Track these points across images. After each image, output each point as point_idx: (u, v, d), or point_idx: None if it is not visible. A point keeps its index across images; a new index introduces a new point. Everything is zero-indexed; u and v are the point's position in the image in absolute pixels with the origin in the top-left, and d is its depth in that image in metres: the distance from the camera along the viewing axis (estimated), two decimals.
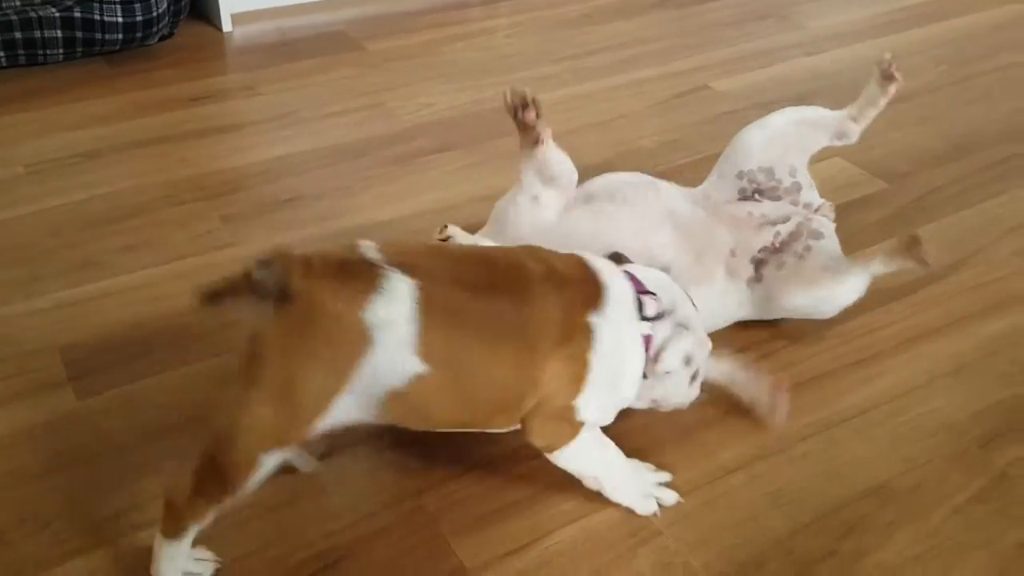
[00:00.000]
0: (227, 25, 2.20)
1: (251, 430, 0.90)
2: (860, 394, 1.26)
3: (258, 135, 1.83)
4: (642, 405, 1.12)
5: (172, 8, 2.02)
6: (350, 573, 1.01)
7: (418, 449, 1.15)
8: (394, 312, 0.90)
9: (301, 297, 0.88)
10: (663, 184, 1.38)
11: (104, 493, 1.09)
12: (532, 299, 0.98)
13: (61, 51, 1.94)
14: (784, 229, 1.34)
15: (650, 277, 1.10)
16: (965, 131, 1.92)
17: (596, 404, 1.03)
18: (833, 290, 1.31)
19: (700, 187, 1.43)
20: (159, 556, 0.96)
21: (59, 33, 1.92)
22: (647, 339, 1.05)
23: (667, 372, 1.06)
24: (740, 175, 1.40)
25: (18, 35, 1.88)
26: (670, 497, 1.10)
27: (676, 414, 1.17)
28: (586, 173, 1.73)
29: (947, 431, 1.21)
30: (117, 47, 1.99)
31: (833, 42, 2.28)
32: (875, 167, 1.78)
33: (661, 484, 1.11)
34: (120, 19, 1.94)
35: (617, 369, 1.03)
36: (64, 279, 1.41)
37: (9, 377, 1.24)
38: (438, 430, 1.05)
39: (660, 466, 1.14)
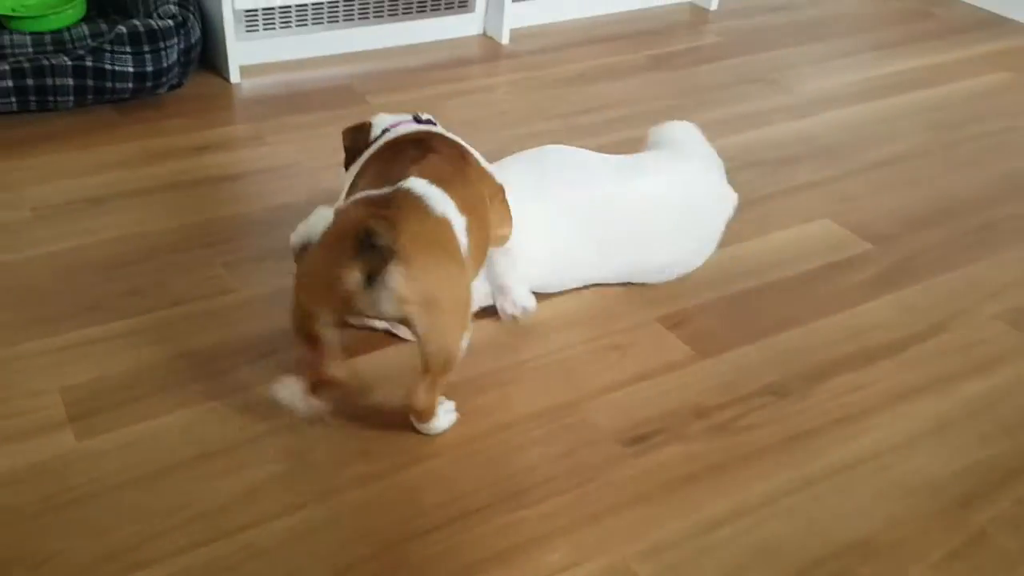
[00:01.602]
0: (235, 77, 2.26)
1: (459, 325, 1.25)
2: (844, 450, 1.29)
3: (262, 184, 1.87)
4: None
5: (182, 59, 2.08)
6: None
7: (406, 495, 1.17)
8: (439, 199, 1.21)
9: (403, 237, 1.13)
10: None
11: (99, 534, 1.10)
12: (434, 145, 1.32)
13: (72, 98, 1.99)
14: None
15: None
16: (951, 195, 1.97)
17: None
18: None
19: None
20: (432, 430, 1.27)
21: (71, 81, 1.97)
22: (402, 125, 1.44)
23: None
24: None
25: (30, 81, 1.93)
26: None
27: (660, 470, 1.20)
28: None
29: (928, 489, 1.23)
30: (127, 95, 2.04)
31: (822, 106, 2.34)
32: (862, 229, 1.82)
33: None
34: (131, 69, 1.99)
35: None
36: (68, 321, 1.44)
37: (10, 416, 1.26)
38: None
39: (646, 518, 1.16)
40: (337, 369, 1.19)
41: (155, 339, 1.41)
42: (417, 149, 1.28)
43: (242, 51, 2.28)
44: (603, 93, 2.34)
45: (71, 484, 1.17)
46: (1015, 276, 1.70)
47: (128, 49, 1.97)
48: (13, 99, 1.93)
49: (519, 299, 1.46)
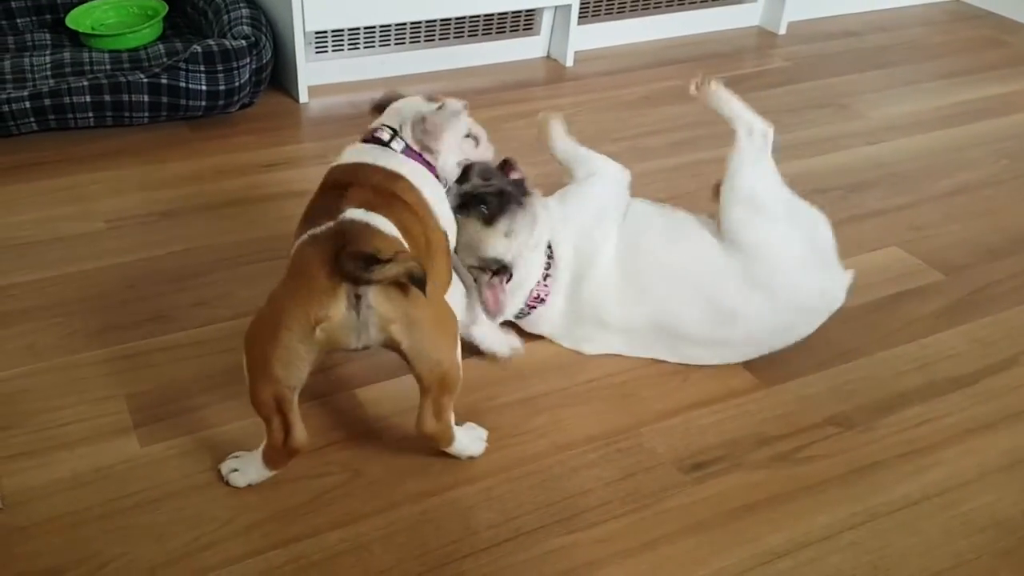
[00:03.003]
0: (304, 96, 2.30)
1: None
2: (911, 485, 1.25)
3: None
4: (449, 170, 1.37)
5: (253, 79, 2.12)
6: None
7: (459, 514, 1.17)
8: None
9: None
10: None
11: (158, 540, 1.12)
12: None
13: (146, 114, 2.05)
14: None
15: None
16: None
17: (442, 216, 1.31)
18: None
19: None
20: (458, 451, 1.26)
21: (146, 97, 2.03)
22: (409, 154, 1.33)
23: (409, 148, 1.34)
24: None
25: (107, 98, 1.99)
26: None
27: (718, 499, 1.17)
28: None
29: (997, 527, 1.19)
30: (200, 113, 2.10)
31: (892, 133, 2.29)
32: (933, 258, 1.78)
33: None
34: (204, 87, 2.04)
35: (423, 182, 1.31)
36: (136, 330, 1.47)
37: (78, 421, 1.29)
38: None
39: (703, 546, 1.13)
40: (303, 435, 1.14)
41: (220, 349, 1.44)
42: (342, 185, 1.22)
43: (311, 71, 2.32)
44: (669, 116, 2.33)
45: (133, 489, 1.19)
46: None
47: (202, 68, 2.02)
48: (91, 114, 2.00)
49: (492, 345, 1.43)
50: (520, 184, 1.47)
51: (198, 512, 1.16)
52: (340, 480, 1.22)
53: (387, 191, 1.22)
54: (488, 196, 1.38)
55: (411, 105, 1.40)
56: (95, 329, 1.47)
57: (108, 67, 2.15)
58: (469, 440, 1.25)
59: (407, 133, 1.34)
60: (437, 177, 1.35)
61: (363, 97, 2.33)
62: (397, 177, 1.26)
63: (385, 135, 1.33)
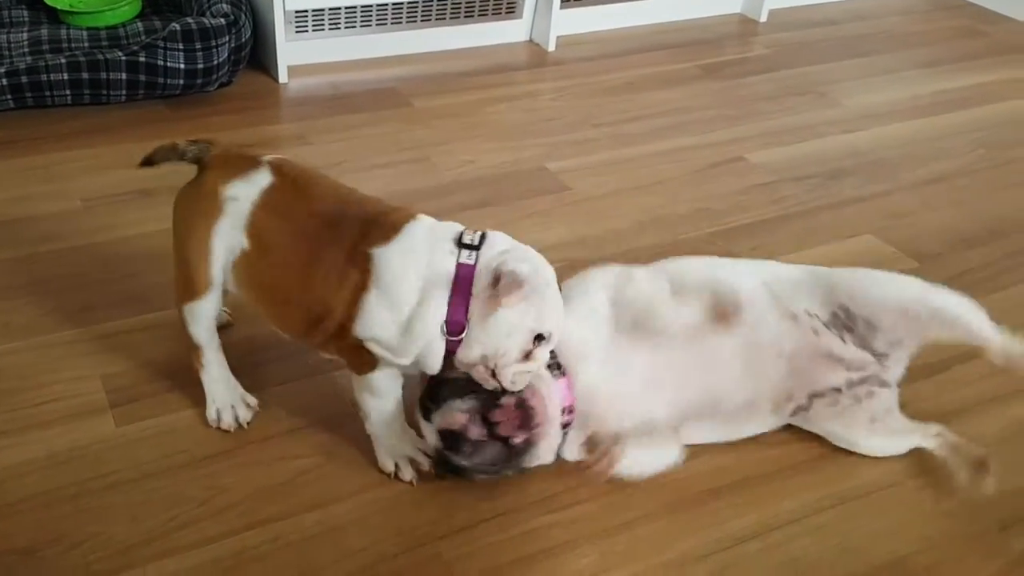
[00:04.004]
0: (283, 76, 2.29)
1: (176, 286, 1.21)
2: (880, 469, 1.27)
3: None
4: (470, 358, 1.07)
5: (232, 58, 2.11)
6: None
7: (435, 496, 1.18)
8: (242, 193, 1.13)
9: (199, 173, 1.18)
10: (759, 299, 1.26)
11: (134, 519, 1.12)
12: (347, 228, 1.10)
13: (124, 92, 2.03)
14: (856, 376, 1.25)
15: (502, 236, 1.13)
16: (999, 215, 1.94)
17: (378, 333, 1.07)
18: (872, 441, 1.27)
19: (787, 289, 1.28)
20: (204, 385, 1.25)
21: (124, 76, 2.01)
22: (462, 267, 1.07)
23: (500, 286, 1.02)
24: (843, 309, 1.26)
25: (85, 75, 1.97)
26: (407, 474, 1.19)
27: (689, 482, 1.19)
28: (619, 236, 1.77)
29: (967, 512, 1.21)
30: (178, 91, 2.08)
31: (870, 121, 2.31)
32: (907, 246, 1.80)
33: (414, 460, 1.20)
34: (182, 66, 2.03)
35: (403, 298, 1.06)
36: (112, 310, 1.46)
37: (53, 401, 1.29)
38: (279, 330, 1.18)
39: (675, 529, 1.15)
40: None
41: None
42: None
43: (291, 51, 2.31)
44: (650, 102, 2.33)
45: (108, 469, 1.19)
46: None
47: (180, 46, 2.01)
48: (68, 92, 1.98)
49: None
50: (512, 450, 1.12)
51: (174, 492, 1.16)
52: (316, 462, 1.22)
53: (302, 187, 1.15)
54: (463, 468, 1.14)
55: (536, 268, 1.11)
56: (71, 309, 1.46)
57: (86, 44, 2.13)
58: (214, 394, 1.26)
59: (486, 259, 1.08)
60: (464, 321, 1.07)
61: (343, 78, 2.32)
62: (320, 186, 1.17)
63: (470, 237, 1.11)
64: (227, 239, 1.15)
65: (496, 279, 1.04)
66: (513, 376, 1.08)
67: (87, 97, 2.01)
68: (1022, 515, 1.21)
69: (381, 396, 1.15)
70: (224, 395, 1.26)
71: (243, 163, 1.16)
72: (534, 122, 2.20)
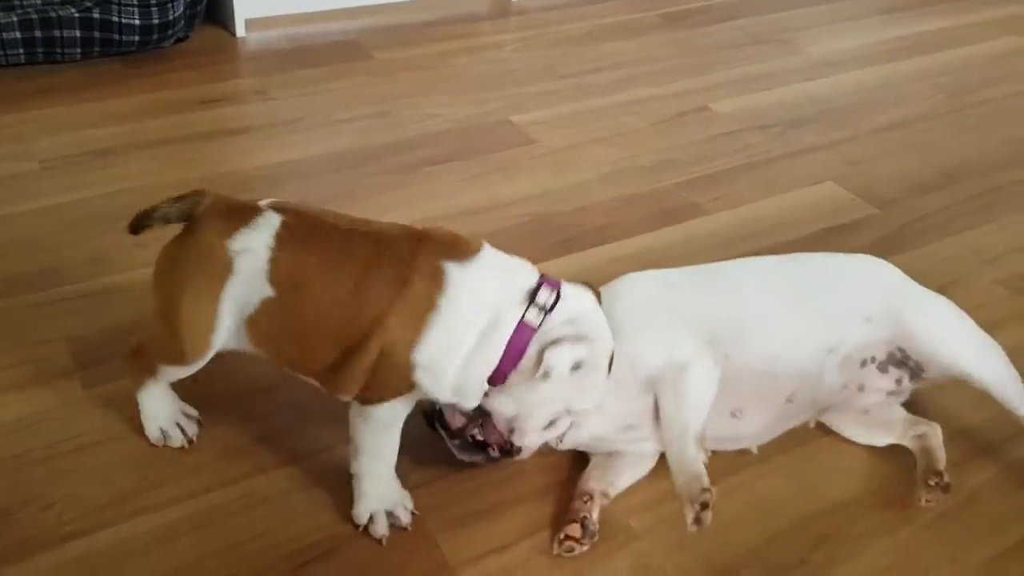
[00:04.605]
0: (241, 30, 2.25)
1: (153, 343, 1.10)
2: None
3: (267, 139, 1.88)
4: (500, 410, 1.04)
5: (188, 12, 2.07)
6: (338, 565, 1.05)
7: (409, 450, 1.19)
8: (254, 242, 1.00)
9: (189, 229, 1.03)
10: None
11: (106, 480, 1.13)
12: (389, 239, 1.01)
13: (79, 50, 1.99)
14: (872, 398, 1.23)
15: (579, 296, 1.05)
16: (957, 160, 1.97)
17: (435, 359, 0.98)
18: (857, 431, 1.24)
19: (860, 346, 1.19)
20: (140, 408, 1.16)
21: (78, 33, 1.97)
22: (524, 328, 0.99)
23: (546, 373, 0.99)
24: (902, 351, 1.21)
25: (38, 33, 1.93)
26: (382, 527, 1.07)
27: None
28: (584, 189, 1.78)
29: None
30: (133, 48, 2.04)
31: (831, 68, 2.33)
32: (866, 192, 1.82)
33: (392, 513, 1.09)
34: (137, 21, 1.99)
35: (468, 331, 0.98)
36: (74, 273, 1.45)
37: (19, 365, 1.28)
38: (298, 372, 1.05)
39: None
40: None
41: None
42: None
43: (248, 4, 2.27)
44: (613, 52, 2.33)
45: (77, 432, 1.19)
46: (1016, 242, 1.70)
47: (135, 2, 1.97)
48: (21, 51, 1.94)
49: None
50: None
51: (144, 453, 1.17)
52: (288, 419, 1.23)
53: (348, 245, 1.01)
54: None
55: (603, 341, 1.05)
56: (32, 272, 1.45)
57: (39, 2, 2.08)
58: (152, 416, 1.17)
59: (548, 326, 1.01)
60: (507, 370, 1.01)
61: (303, 30, 2.29)
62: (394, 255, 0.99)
63: (544, 298, 1.02)
64: (240, 298, 1.01)
65: (541, 355, 1.00)
66: (529, 441, 1.07)
67: (41, 56, 1.97)
68: (972, 455, 1.24)
69: (385, 430, 1.05)
70: (166, 411, 1.17)
71: (243, 212, 1.02)
72: (498, 74, 2.19)
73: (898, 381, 1.22)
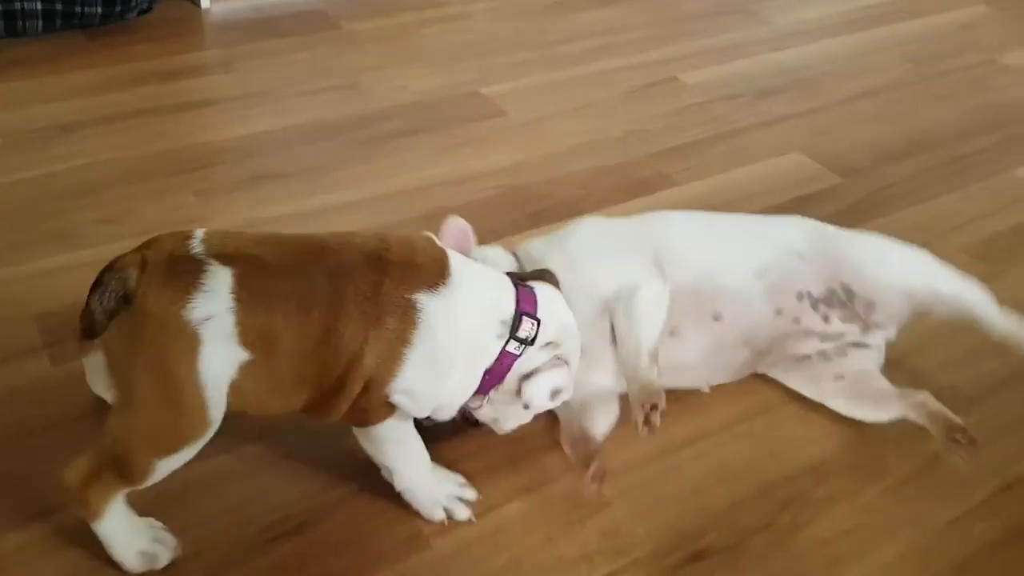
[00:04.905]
0: (205, 1, 2.22)
1: (135, 443, 0.93)
2: None
3: (233, 111, 1.86)
4: (481, 416, 1.09)
5: None
6: (314, 537, 1.06)
7: None
8: (214, 306, 0.90)
9: (136, 310, 0.89)
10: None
11: (77, 456, 1.12)
12: (349, 273, 0.95)
13: (40, 23, 1.96)
14: (831, 345, 1.26)
15: (552, 307, 1.05)
16: (924, 128, 1.99)
17: (413, 388, 0.98)
18: (838, 401, 1.24)
19: (787, 270, 1.24)
20: (104, 539, 0.98)
21: (39, 5, 1.93)
22: (506, 356, 1.01)
23: (526, 404, 1.04)
24: (845, 289, 1.25)
25: None
26: (462, 513, 1.08)
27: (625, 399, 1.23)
28: (555, 161, 1.78)
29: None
30: (96, 20, 2.01)
31: (799, 38, 2.33)
32: (833, 162, 1.84)
33: (460, 499, 1.09)
34: None
35: (447, 362, 0.98)
36: (40, 249, 1.44)
37: None
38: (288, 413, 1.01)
39: (612, 440, 1.19)
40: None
41: None
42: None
43: None
44: (583, 22, 2.32)
45: (49, 408, 1.18)
46: (981, 209, 1.72)
47: None
48: None
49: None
50: None
51: None
52: None
53: (317, 296, 0.94)
54: None
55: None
56: None
57: None
58: (125, 544, 0.99)
59: (528, 354, 1.03)
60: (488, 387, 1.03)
61: (267, 1, 2.26)
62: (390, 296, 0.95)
63: (527, 331, 1.02)
64: (218, 366, 0.92)
65: (521, 382, 1.02)
66: (509, 428, 1.11)
67: (1, 30, 1.93)
68: None
69: (403, 442, 1.05)
70: (139, 530, 1.01)
71: (185, 272, 0.91)
72: (467, 44, 2.17)
73: (825, 319, 1.24)
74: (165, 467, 0.95)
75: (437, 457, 1.14)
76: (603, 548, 1.06)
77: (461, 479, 1.12)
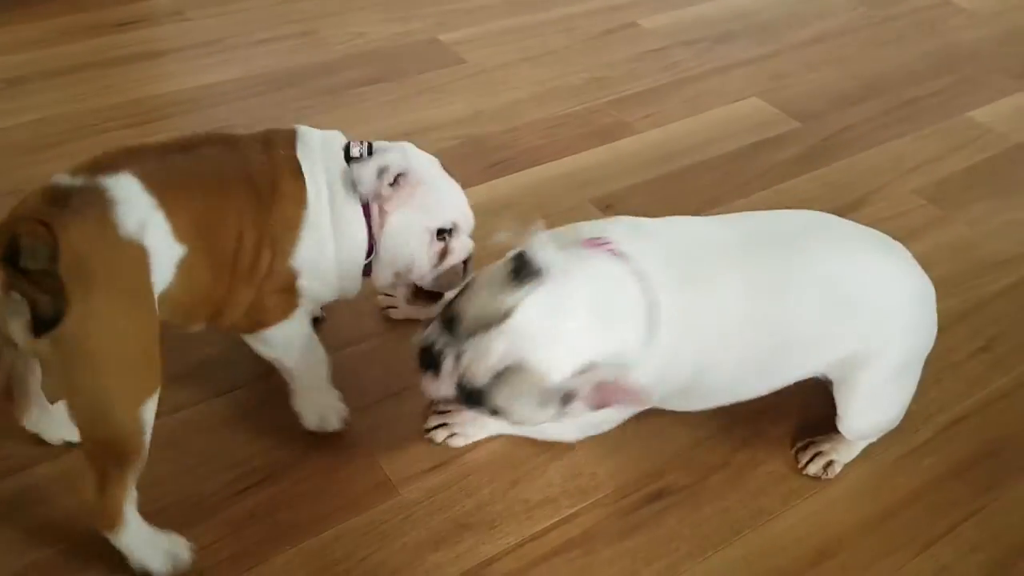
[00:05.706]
0: None
1: (108, 394, 0.88)
2: None
3: (186, 62, 1.82)
4: (383, 281, 1.08)
5: None
6: (282, 488, 1.07)
7: (348, 377, 1.21)
8: (140, 211, 0.86)
9: (63, 260, 0.80)
10: None
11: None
12: (240, 144, 0.98)
13: None
14: None
15: (390, 145, 1.06)
16: (878, 72, 2.01)
17: (313, 265, 1.00)
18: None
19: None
20: (128, 547, 0.95)
21: None
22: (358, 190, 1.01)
23: (355, 180, 1.00)
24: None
25: None
26: (336, 422, 1.11)
27: None
28: (516, 110, 1.78)
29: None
30: None
31: None
32: (790, 107, 1.85)
33: (338, 411, 1.12)
34: None
35: (327, 214, 0.99)
36: None
37: None
38: (200, 322, 1.02)
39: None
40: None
41: None
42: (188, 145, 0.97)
43: None
44: None
45: None
46: (935, 152, 1.75)
47: None
48: None
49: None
50: None
51: None
52: (222, 349, 1.23)
53: (225, 182, 0.95)
54: None
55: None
56: None
57: None
58: (148, 547, 0.96)
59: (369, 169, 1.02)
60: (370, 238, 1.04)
61: None
62: (283, 163, 0.99)
63: (357, 150, 1.04)
64: (163, 271, 0.90)
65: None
66: (437, 281, 1.08)
67: None
68: None
69: (305, 344, 1.07)
70: (157, 535, 0.98)
71: (85, 201, 0.85)
72: None
73: None
74: (148, 412, 0.91)
75: (400, 405, 1.16)
76: (566, 490, 1.09)
77: (340, 395, 1.14)
